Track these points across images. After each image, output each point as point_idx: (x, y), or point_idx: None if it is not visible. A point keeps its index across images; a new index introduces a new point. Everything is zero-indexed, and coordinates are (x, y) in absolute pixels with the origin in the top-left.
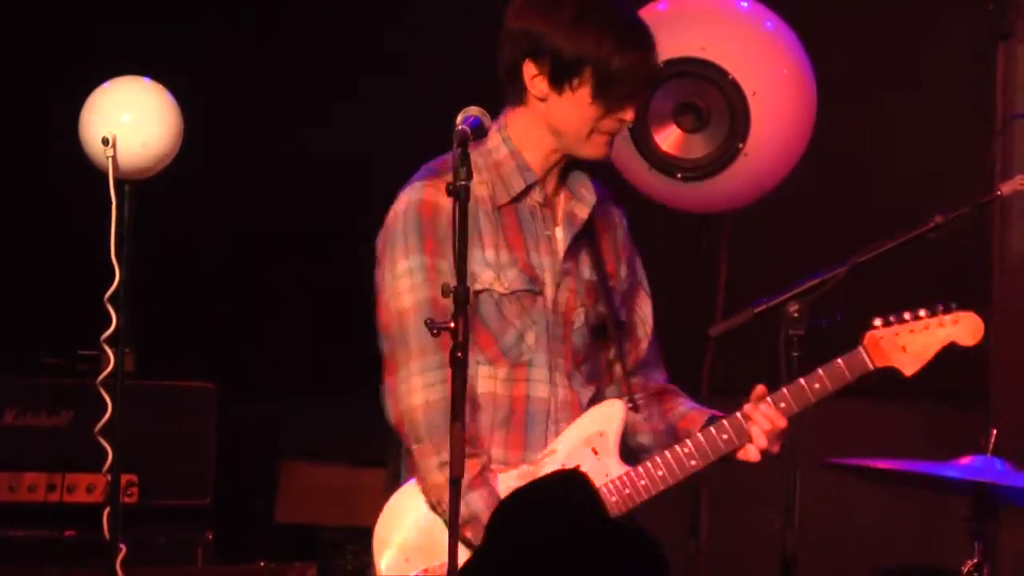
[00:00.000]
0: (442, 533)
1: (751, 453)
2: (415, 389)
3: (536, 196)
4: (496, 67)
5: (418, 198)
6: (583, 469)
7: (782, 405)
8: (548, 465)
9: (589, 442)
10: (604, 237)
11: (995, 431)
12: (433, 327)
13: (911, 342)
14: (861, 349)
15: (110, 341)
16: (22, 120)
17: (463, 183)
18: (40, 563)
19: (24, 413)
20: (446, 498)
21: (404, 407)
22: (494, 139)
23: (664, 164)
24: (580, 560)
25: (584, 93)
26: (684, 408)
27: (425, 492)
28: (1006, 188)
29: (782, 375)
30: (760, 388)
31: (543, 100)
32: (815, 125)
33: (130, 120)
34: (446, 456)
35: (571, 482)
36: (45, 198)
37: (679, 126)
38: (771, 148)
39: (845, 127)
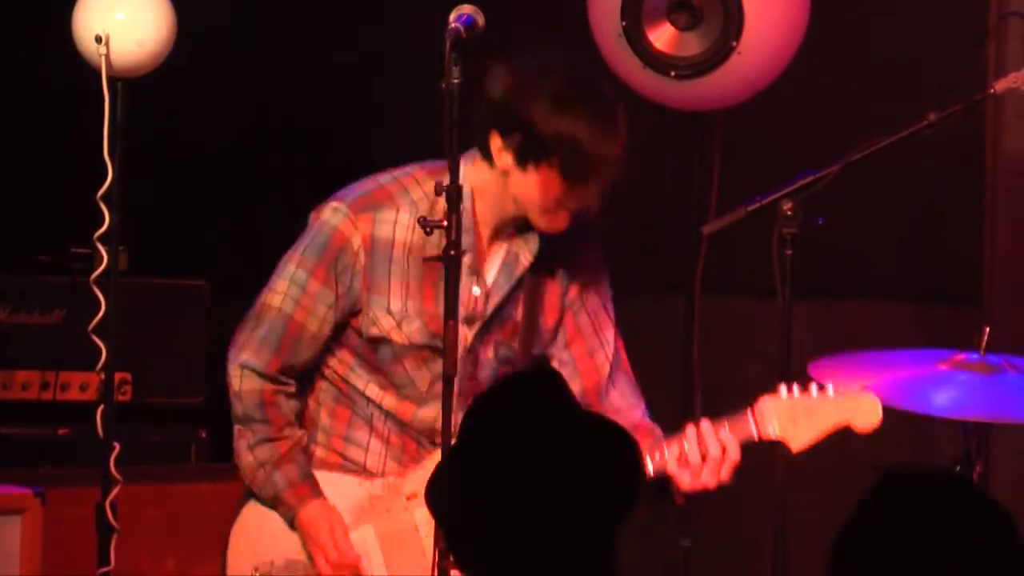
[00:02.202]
0: (275, 524)
1: (684, 479)
2: (237, 376)
3: (466, 258)
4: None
5: (335, 224)
6: None
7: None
8: (410, 480)
9: None
10: (551, 278)
11: (988, 329)
12: (426, 225)
13: (803, 417)
14: (750, 415)
15: (103, 239)
16: (13, 18)
17: (455, 81)
18: (33, 461)
19: (17, 311)
20: (254, 474)
21: (232, 388)
22: None
23: (658, 62)
24: (555, 454)
25: (550, 174)
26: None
27: (241, 471)
28: (1000, 86)
29: (775, 273)
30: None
31: (505, 172)
32: (809, 23)
33: (123, 18)
34: (254, 439)
35: (542, 377)
36: (38, 96)
37: (673, 24)
38: (764, 46)
39: (838, 25)
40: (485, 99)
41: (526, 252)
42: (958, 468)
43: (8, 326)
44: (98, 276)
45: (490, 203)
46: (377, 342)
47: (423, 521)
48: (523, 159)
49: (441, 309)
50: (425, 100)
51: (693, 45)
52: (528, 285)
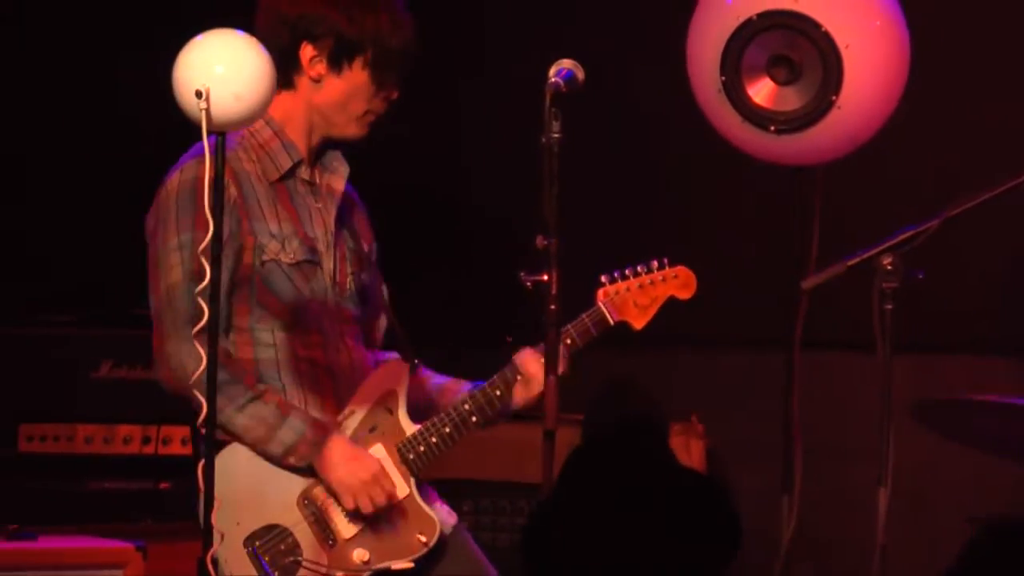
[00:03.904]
0: (270, 486)
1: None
2: (188, 356)
3: (303, 172)
4: None
5: (192, 175)
6: (380, 429)
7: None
8: (349, 427)
9: (382, 401)
10: (355, 209)
11: None
12: (526, 279)
13: (639, 297)
14: (601, 306)
15: (204, 294)
16: (115, 73)
17: (555, 136)
18: (135, 515)
19: (119, 366)
20: (260, 432)
21: (182, 375)
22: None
23: (757, 117)
24: (651, 516)
25: (361, 73)
26: (437, 380)
27: (241, 440)
28: None
29: (875, 328)
30: (525, 350)
31: (317, 81)
32: (908, 77)
33: (223, 71)
34: (241, 400)
35: (643, 433)
36: (139, 152)
37: (772, 79)
38: (864, 101)
39: (939, 79)
40: (285, 20)
41: (337, 180)
42: None
43: (110, 381)
44: (199, 330)
45: (299, 131)
46: (270, 273)
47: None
48: (336, 61)
49: (304, 225)
50: (520, 155)
51: (792, 100)
52: (347, 221)
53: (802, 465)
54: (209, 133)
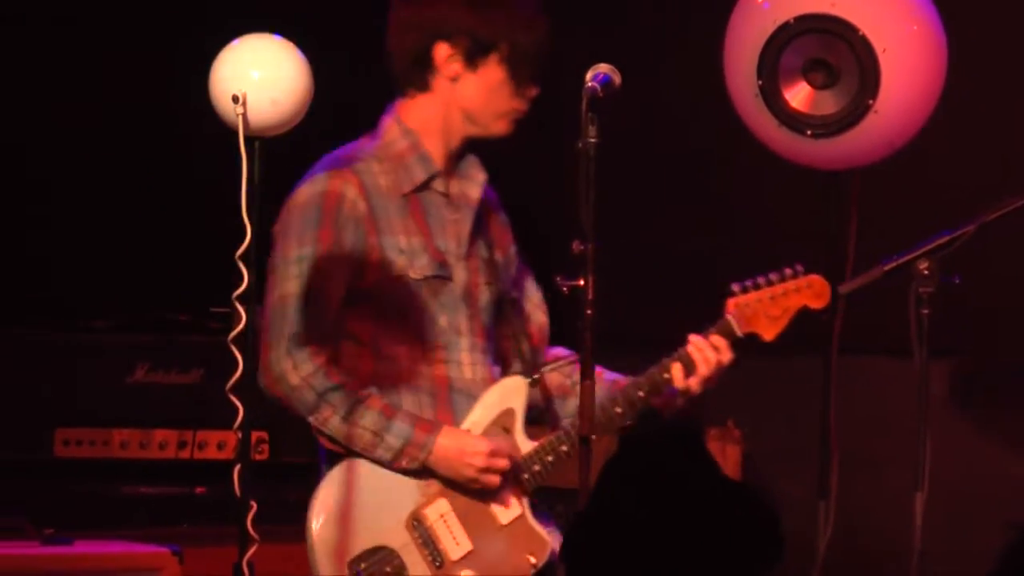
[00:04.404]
0: (378, 507)
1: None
2: (289, 369)
3: (438, 184)
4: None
5: (321, 189)
6: None
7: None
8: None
9: (499, 421)
10: (492, 217)
11: None
12: (562, 285)
13: (770, 307)
14: (729, 318)
15: (242, 298)
16: (151, 78)
17: (592, 140)
18: (171, 519)
19: (155, 370)
20: (367, 438)
21: (286, 387)
22: (392, 131)
23: (793, 121)
24: (693, 521)
25: (498, 70)
26: (609, 374)
27: (349, 447)
28: None
29: (912, 333)
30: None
31: (455, 80)
32: (946, 81)
33: (259, 77)
34: (344, 408)
35: (683, 439)
36: (176, 157)
37: (809, 83)
38: (902, 105)
39: (975, 83)
40: (415, 22)
41: (473, 188)
42: None
43: (146, 385)
44: (236, 336)
45: (437, 138)
46: (396, 289)
47: None
48: (472, 59)
49: (435, 239)
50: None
51: (829, 104)
52: (483, 229)
53: (839, 471)
54: (246, 138)
